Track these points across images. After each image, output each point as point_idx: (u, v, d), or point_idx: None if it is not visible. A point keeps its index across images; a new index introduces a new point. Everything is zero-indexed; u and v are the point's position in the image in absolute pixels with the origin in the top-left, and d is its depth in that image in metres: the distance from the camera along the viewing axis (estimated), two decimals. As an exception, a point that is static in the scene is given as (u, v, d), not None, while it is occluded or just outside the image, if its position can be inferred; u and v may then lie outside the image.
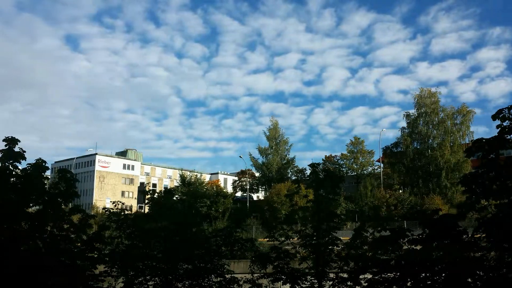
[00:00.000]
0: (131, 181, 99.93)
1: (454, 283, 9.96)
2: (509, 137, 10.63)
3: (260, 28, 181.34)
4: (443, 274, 10.31)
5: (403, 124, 64.62)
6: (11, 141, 13.05)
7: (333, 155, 75.33)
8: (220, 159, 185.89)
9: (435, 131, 61.14)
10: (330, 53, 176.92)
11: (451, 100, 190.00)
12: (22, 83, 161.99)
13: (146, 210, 29.66)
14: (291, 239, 14.01)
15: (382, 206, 49.13)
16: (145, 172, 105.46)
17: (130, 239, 14.59)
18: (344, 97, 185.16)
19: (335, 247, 13.35)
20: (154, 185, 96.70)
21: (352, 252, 12.80)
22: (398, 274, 10.78)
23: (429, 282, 10.36)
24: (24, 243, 12.23)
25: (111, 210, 15.12)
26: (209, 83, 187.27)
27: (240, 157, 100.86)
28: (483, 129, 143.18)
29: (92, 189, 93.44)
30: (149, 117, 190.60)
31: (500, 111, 10.56)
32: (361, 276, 11.91)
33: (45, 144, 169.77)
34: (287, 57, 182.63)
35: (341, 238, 13.65)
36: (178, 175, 72.70)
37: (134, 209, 70.42)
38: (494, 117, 10.63)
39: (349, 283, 12.38)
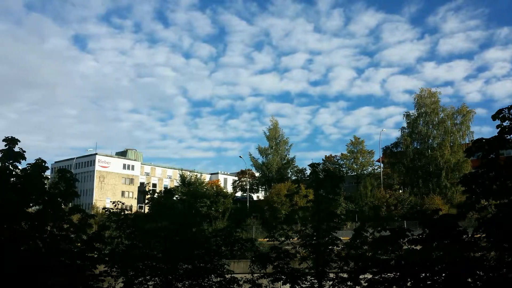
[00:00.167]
0: (131, 181, 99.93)
1: (454, 283, 9.96)
2: (509, 137, 10.62)
3: (268, 28, 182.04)
4: (443, 274, 10.31)
5: (404, 124, 64.76)
6: (11, 141, 13.05)
7: (333, 155, 75.43)
8: (223, 159, 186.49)
9: (435, 131, 61.14)
10: (337, 53, 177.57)
11: (456, 100, 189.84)
12: (29, 83, 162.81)
13: (146, 210, 29.67)
14: (291, 239, 14.01)
15: (382, 206, 49.13)
16: (145, 172, 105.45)
17: (130, 239, 14.58)
18: (350, 97, 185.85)
19: (335, 247, 13.34)
20: (154, 185, 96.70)
21: (352, 252, 12.79)
22: (398, 274, 10.78)
23: (429, 282, 10.36)
24: (24, 243, 12.23)
25: (111, 210, 15.12)
26: (216, 83, 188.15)
27: (240, 157, 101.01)
28: (487, 129, 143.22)
29: (92, 189, 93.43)
30: (154, 117, 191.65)
31: (500, 111, 10.56)
32: (361, 276, 11.91)
33: (49, 144, 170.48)
34: (294, 57, 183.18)
35: (341, 238, 13.65)
36: (178, 175, 72.71)
37: (134, 209, 70.45)
38: (494, 117, 10.63)
39: (349, 283, 12.38)
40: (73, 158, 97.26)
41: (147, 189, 16.12)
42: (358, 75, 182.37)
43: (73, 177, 13.85)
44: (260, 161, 74.62)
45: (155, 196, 15.80)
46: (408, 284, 10.54)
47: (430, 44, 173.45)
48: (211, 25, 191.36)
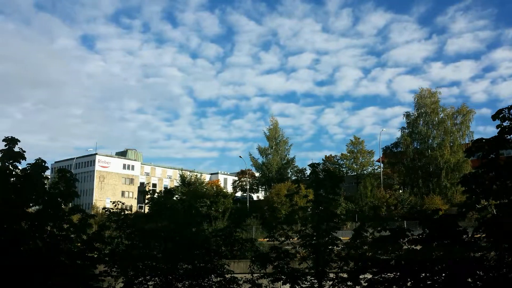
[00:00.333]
0: (131, 181, 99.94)
1: (454, 283, 9.96)
2: (509, 137, 10.62)
3: (276, 28, 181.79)
4: (443, 274, 10.31)
5: (404, 124, 64.75)
6: (11, 141, 13.05)
7: (333, 155, 75.44)
8: (226, 159, 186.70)
9: (435, 131, 61.15)
10: (344, 53, 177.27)
11: (462, 100, 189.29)
12: (36, 82, 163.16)
13: (146, 210, 29.66)
14: (291, 239, 14.00)
15: (382, 206, 49.10)
16: (145, 172, 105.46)
17: (130, 239, 14.58)
18: (356, 97, 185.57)
19: (335, 247, 13.34)
20: (154, 185, 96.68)
21: (352, 252, 12.79)
22: (398, 274, 10.77)
23: (429, 282, 10.36)
24: (24, 243, 12.22)
25: (111, 210, 15.12)
26: (222, 83, 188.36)
27: (240, 157, 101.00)
28: (492, 129, 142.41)
29: (92, 189, 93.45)
30: (160, 117, 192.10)
31: (500, 111, 10.55)
32: (361, 276, 11.90)
33: (54, 143, 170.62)
34: (301, 57, 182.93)
35: (341, 238, 13.65)
36: (178, 175, 72.72)
37: (134, 209, 70.47)
38: (494, 117, 10.62)
39: (349, 283, 12.37)
40: (73, 158, 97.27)
41: (147, 189, 16.11)
42: (365, 75, 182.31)
43: (73, 177, 13.84)
44: (260, 161, 74.72)
45: (155, 196, 15.80)
46: (408, 284, 10.54)
47: (437, 44, 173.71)
48: (219, 25, 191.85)
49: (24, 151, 13.19)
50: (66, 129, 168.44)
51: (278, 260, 13.39)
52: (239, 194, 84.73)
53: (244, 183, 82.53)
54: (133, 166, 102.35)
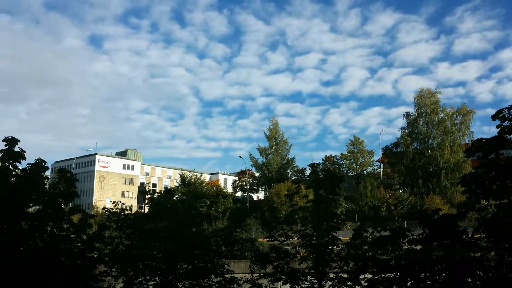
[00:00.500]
0: (131, 181, 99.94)
1: (454, 283, 9.96)
2: (509, 137, 10.62)
3: (284, 28, 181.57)
4: (443, 274, 10.31)
5: (404, 124, 64.72)
6: (11, 141, 13.05)
7: (333, 155, 75.45)
8: (230, 159, 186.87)
9: (435, 131, 61.14)
10: (351, 53, 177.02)
11: (467, 100, 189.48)
12: (42, 82, 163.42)
13: (146, 210, 29.66)
14: (291, 239, 14.00)
15: (382, 206, 49.09)
16: (145, 172, 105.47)
17: (130, 239, 14.58)
18: (362, 97, 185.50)
19: (335, 247, 13.34)
20: (154, 185, 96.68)
21: (352, 252, 12.79)
22: (398, 274, 10.77)
23: (429, 282, 10.36)
24: (24, 243, 12.22)
25: (111, 210, 15.11)
26: (228, 83, 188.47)
27: (240, 157, 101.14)
28: (495, 129, 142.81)
29: (92, 189, 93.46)
30: (165, 117, 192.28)
31: (500, 111, 10.55)
32: (361, 276, 11.90)
33: (59, 143, 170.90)
34: (308, 57, 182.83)
35: (341, 238, 13.64)
36: (178, 175, 72.71)
37: (134, 209, 70.44)
38: (494, 117, 10.62)
39: (349, 283, 12.37)
40: (73, 158, 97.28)
41: (147, 189, 16.11)
42: (371, 75, 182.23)
43: (73, 177, 13.84)
44: (260, 161, 74.71)
45: (155, 196, 15.80)
46: (408, 284, 10.54)
47: (445, 44, 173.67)
48: (227, 25, 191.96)
49: (24, 151, 13.21)
50: (72, 129, 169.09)
51: (278, 260, 13.39)
52: (239, 194, 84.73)
53: (244, 183, 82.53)
54: (133, 166, 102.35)
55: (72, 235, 12.88)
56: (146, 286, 13.79)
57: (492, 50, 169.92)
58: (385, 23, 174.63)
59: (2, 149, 13.00)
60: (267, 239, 14.90)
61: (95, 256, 13.39)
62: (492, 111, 10.77)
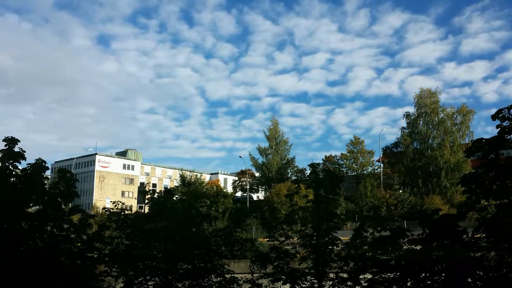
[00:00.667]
0: (131, 181, 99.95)
1: (454, 283, 9.96)
2: (509, 137, 10.62)
3: (292, 28, 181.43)
4: (443, 274, 10.30)
5: (404, 124, 64.72)
6: (11, 141, 13.05)
7: (333, 155, 75.45)
8: (234, 159, 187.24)
9: (435, 131, 61.16)
10: (358, 53, 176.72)
11: (473, 100, 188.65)
12: (49, 82, 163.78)
13: (146, 210, 29.66)
14: (291, 239, 14.00)
15: (382, 206, 49.10)
16: (145, 172, 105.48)
17: (130, 239, 14.59)
18: (367, 97, 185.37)
19: (335, 247, 13.34)
20: (154, 185, 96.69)
21: (352, 252, 12.79)
22: (398, 274, 10.77)
23: (429, 282, 10.36)
24: (24, 243, 12.22)
25: (111, 210, 15.12)
26: (234, 83, 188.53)
27: (240, 157, 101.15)
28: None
29: (92, 189, 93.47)
30: (170, 117, 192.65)
31: (499, 111, 10.55)
32: (361, 276, 11.90)
33: (65, 143, 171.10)
34: (315, 57, 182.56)
35: (341, 238, 13.64)
36: (178, 175, 72.72)
37: (134, 209, 70.45)
38: (493, 117, 10.61)
39: (349, 283, 12.37)
40: (73, 158, 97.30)
41: (147, 189, 16.11)
42: (377, 75, 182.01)
43: (73, 177, 13.84)
44: (260, 161, 74.72)
45: (155, 196, 15.80)
46: (408, 284, 10.53)
47: (453, 45, 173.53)
48: (235, 25, 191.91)
49: (24, 151, 13.20)
50: (79, 129, 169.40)
51: (278, 260, 13.39)
52: (239, 194, 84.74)
53: (244, 183, 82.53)
54: (133, 166, 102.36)
55: (72, 235, 12.87)
56: (146, 286, 13.79)
57: (499, 50, 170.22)
58: (394, 23, 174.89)
59: (2, 149, 13.00)
60: (267, 239, 14.90)
61: (95, 256, 13.39)
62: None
